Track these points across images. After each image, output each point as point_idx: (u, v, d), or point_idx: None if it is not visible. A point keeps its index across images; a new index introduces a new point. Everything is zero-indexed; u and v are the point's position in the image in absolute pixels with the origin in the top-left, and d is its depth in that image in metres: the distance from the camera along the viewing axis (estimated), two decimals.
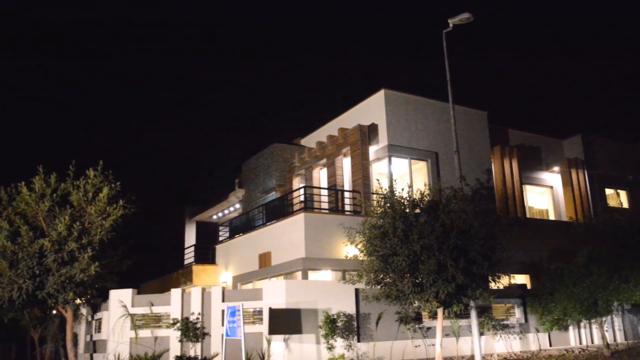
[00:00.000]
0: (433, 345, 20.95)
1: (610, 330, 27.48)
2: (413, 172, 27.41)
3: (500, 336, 24.03)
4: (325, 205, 26.82)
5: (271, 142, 32.59)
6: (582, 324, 26.40)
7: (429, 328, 22.25)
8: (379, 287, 18.72)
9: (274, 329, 20.42)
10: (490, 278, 18.89)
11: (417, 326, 22.10)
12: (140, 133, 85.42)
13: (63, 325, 22.69)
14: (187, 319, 21.02)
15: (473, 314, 20.17)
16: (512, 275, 27.68)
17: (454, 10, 21.72)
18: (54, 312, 23.45)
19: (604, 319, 24.57)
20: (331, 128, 30.48)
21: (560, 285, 23.60)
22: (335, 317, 20.62)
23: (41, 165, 19.88)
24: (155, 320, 21.50)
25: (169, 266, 35.31)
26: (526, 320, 25.17)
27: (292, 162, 31.96)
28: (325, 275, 25.03)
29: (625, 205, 35.63)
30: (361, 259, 18.94)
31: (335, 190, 27.45)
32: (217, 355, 20.55)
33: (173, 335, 20.94)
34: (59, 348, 24.07)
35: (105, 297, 22.42)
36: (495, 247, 18.44)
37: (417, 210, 18.50)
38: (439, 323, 18.98)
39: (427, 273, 17.16)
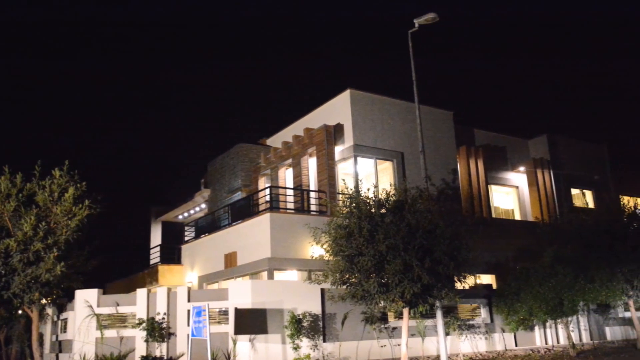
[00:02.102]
0: (399, 345, 21.06)
1: (576, 330, 27.72)
2: (379, 172, 27.52)
3: (466, 336, 24.15)
4: (291, 205, 26.84)
5: (237, 142, 32.57)
6: (547, 324, 26.57)
7: (394, 328, 22.33)
8: (344, 287, 18.80)
9: (239, 329, 20.41)
10: (455, 278, 19.03)
11: (382, 326, 22.15)
12: (106, 133, 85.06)
13: (29, 325, 22.47)
14: (153, 319, 20.95)
15: (439, 314, 20.30)
16: (477, 275, 27.78)
17: (420, 10, 21.85)
18: (20, 312, 23.19)
19: (569, 319, 24.72)
20: (297, 128, 30.48)
21: (526, 285, 23.71)
22: (301, 317, 20.65)
23: (7, 165, 19.75)
24: (121, 320, 21.41)
25: (135, 266, 35.10)
26: (492, 320, 25.32)
27: (257, 162, 31.92)
28: (291, 275, 25.07)
29: (591, 205, 35.89)
30: (327, 259, 18.98)
31: (301, 190, 27.49)
32: (182, 355, 20.49)
33: (139, 335, 20.87)
34: (24, 348, 23.85)
35: (71, 297, 22.25)
36: (460, 247, 18.60)
37: (383, 210, 18.61)
38: (405, 323, 19.08)
39: (392, 273, 17.26)
